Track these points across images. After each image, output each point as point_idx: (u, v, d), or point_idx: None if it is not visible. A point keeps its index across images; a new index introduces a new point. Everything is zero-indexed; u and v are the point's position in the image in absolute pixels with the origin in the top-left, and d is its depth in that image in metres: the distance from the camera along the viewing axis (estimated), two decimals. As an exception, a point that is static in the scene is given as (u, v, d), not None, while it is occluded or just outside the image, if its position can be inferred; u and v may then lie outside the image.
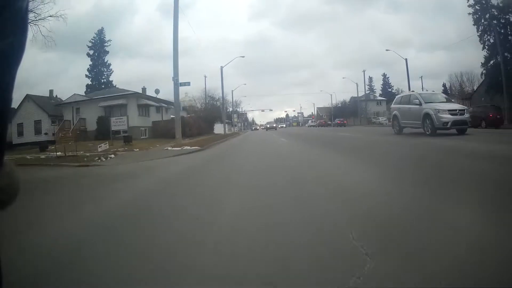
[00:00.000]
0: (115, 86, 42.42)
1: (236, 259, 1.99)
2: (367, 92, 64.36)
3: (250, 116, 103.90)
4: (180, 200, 3.86)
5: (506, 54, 24.21)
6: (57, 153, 12.43)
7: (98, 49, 48.54)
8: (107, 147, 12.25)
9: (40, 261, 2.13)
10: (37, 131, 27.81)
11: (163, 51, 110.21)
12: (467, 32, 64.02)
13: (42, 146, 18.12)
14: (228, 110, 48.07)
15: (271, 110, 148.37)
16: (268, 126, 58.22)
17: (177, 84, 13.40)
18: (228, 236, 2.41)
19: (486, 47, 25.67)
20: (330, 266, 1.79)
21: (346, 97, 67.91)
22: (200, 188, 4.55)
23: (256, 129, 77.65)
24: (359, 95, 54.10)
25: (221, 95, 38.22)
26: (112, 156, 10.92)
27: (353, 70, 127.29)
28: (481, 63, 26.45)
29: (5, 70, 0.53)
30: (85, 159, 10.50)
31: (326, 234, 2.29)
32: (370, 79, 78.29)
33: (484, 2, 26.35)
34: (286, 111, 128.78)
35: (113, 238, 2.57)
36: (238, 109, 65.42)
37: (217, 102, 43.23)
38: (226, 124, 37.30)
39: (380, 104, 62.75)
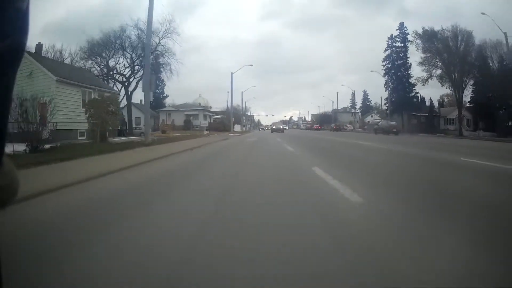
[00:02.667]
0: (167, 96, 64.68)
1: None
2: (346, 106, 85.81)
3: (256, 117, 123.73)
4: (248, 138, 24.51)
5: (397, 95, 45.01)
6: (175, 134, 32.91)
7: (155, 69, 69.87)
8: (208, 132, 32.82)
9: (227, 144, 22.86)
10: (137, 123, 48.57)
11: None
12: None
13: (163, 131, 38.81)
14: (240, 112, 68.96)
15: (273, 115, 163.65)
16: (274, 127, 49.79)
17: (232, 108, 34.10)
18: (259, 135, 23.14)
19: (389, 89, 46.22)
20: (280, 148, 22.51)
21: (339, 106, 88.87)
22: (250, 139, 25.22)
23: (262, 129, 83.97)
24: (340, 107, 75.02)
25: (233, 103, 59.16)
26: (210, 135, 31.43)
27: (359, 75, 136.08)
28: (385, 99, 47.23)
29: (5, 71, 0.53)
30: (198, 135, 30.89)
31: (270, 142, 23.03)
32: (353, 93, 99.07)
33: (393, 61, 46.87)
34: (285, 116, 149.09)
35: (238, 146, 23.33)
36: (247, 113, 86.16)
37: (236, 111, 64.11)
38: (240, 125, 58.18)
39: (354, 115, 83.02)
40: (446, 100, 65.22)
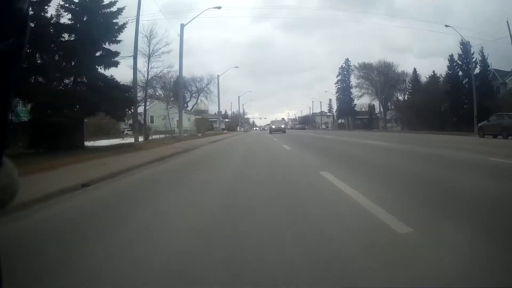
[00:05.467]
0: (187, 106, 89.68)
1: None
2: (321, 110, 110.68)
3: (250, 120, 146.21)
4: (252, 133, 49.14)
5: (344, 106, 69.92)
6: (205, 132, 57.23)
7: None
8: (226, 131, 57.21)
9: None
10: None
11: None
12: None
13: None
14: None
15: (265, 118, 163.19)
16: (273, 126, 42.89)
17: (239, 115, 58.42)
18: (256, 133, 47.85)
19: (337, 103, 70.98)
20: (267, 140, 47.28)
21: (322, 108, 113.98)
22: (254, 133, 49.87)
23: (263, 129, 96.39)
24: (319, 111, 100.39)
25: (234, 109, 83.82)
26: (229, 133, 55.90)
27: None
28: (334, 108, 71.97)
29: (5, 71, 0.54)
30: (224, 132, 55.39)
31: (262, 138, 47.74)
32: (330, 100, 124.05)
33: (342, 83, 71.67)
34: (276, 118, 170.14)
35: (250, 139, 48.11)
36: (245, 116, 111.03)
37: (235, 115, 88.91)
38: (239, 126, 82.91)
39: (328, 117, 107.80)
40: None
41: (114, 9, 11.46)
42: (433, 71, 55.49)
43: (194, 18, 24.18)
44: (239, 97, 61.37)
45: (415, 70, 61.54)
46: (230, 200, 4.09)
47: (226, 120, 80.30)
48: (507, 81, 38.24)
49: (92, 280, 2.02)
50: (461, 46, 33.99)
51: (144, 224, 3.08)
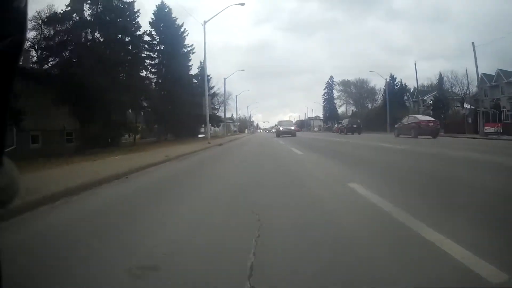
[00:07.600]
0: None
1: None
2: (313, 115, 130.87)
3: (254, 123, 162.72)
4: (257, 134, 69.59)
5: (329, 112, 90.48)
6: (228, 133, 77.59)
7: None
8: (238, 133, 77.44)
9: None
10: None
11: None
12: (464, 42, 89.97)
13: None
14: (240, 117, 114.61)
15: (268, 122, 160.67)
16: (281, 128, 36.97)
17: (247, 120, 78.81)
18: (260, 135, 68.27)
19: (325, 110, 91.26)
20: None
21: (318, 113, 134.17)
22: (259, 135, 70.30)
23: (270, 131, 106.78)
24: (315, 115, 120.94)
25: (240, 113, 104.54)
26: (241, 134, 76.24)
27: (352, 76, 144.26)
28: (322, 115, 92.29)
29: (5, 70, 0.55)
30: (237, 133, 75.73)
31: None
32: (324, 105, 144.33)
33: (328, 94, 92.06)
34: (282, 119, 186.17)
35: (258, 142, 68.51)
36: (250, 120, 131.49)
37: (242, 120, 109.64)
38: (246, 129, 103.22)
39: (321, 121, 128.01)
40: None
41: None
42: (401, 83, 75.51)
43: (233, 73, 44.52)
44: (247, 106, 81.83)
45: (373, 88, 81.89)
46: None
47: (237, 123, 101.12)
48: (425, 98, 59.08)
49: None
50: (390, 77, 54.91)
51: (239, 155, 22.93)
